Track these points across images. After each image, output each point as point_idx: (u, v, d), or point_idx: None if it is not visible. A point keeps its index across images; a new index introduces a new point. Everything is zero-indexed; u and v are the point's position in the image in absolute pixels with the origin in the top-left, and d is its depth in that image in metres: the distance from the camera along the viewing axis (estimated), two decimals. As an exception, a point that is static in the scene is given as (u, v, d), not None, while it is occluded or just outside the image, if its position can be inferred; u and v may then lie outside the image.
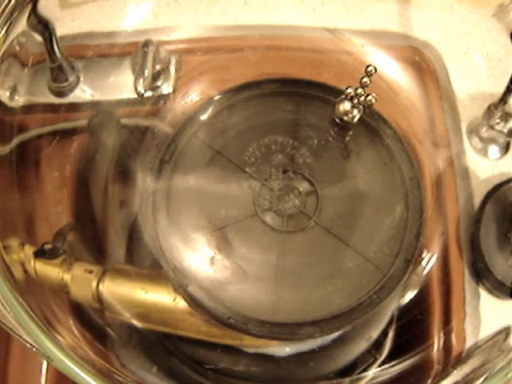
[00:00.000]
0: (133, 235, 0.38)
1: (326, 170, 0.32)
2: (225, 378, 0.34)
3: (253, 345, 0.34)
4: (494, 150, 0.38)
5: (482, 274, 0.35)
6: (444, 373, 0.32)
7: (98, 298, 0.33)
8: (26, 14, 0.33)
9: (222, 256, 0.30)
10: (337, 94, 0.34)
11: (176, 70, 0.39)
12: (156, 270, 0.33)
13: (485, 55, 0.40)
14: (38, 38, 0.35)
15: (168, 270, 0.30)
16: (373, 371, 0.35)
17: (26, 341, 0.26)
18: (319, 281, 0.30)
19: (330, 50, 0.41)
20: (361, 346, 0.35)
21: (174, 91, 0.39)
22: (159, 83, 0.38)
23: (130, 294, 0.33)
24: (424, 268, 0.35)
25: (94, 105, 0.38)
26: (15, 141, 0.34)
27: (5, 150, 0.34)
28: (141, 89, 0.38)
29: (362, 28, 0.41)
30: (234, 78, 0.36)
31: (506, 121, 0.37)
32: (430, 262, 0.35)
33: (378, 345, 0.35)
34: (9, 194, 0.32)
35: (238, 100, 0.35)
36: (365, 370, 0.35)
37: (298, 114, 0.34)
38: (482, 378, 0.28)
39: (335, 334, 0.34)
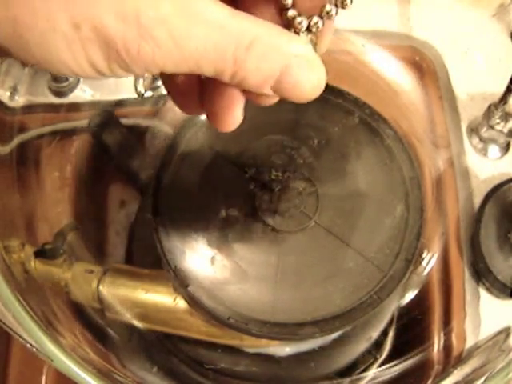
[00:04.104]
0: (133, 235, 0.38)
1: (326, 170, 0.32)
2: (225, 378, 0.34)
3: (253, 345, 0.34)
4: (494, 150, 0.38)
5: (482, 273, 0.35)
6: (444, 373, 0.32)
7: (99, 297, 0.33)
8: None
9: (222, 256, 0.30)
10: (337, 94, 0.34)
11: (176, 69, 0.39)
12: (156, 270, 0.33)
13: (485, 55, 0.40)
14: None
15: (168, 270, 0.30)
16: (373, 371, 0.35)
17: (26, 341, 0.26)
18: (319, 281, 0.30)
19: (329, 49, 0.41)
20: (361, 345, 0.35)
21: (174, 91, 0.39)
22: (159, 83, 0.38)
23: (130, 294, 0.33)
24: (424, 268, 0.35)
25: (93, 105, 0.38)
26: (15, 141, 0.34)
27: (5, 150, 0.34)
28: (141, 89, 0.38)
29: (362, 28, 0.41)
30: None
31: (506, 121, 0.37)
32: (430, 262, 0.35)
33: (378, 345, 0.35)
34: (9, 194, 0.33)
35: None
36: (365, 370, 0.35)
37: (297, 113, 0.34)
38: (483, 378, 0.28)
39: (335, 334, 0.34)
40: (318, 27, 0.21)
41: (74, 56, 0.19)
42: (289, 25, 0.21)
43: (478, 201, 0.36)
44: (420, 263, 0.35)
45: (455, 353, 0.34)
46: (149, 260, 0.36)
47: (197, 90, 0.24)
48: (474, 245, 0.35)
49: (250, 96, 0.23)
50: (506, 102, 0.36)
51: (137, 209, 0.38)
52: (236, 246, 0.31)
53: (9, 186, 0.33)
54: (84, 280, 0.33)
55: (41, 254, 0.33)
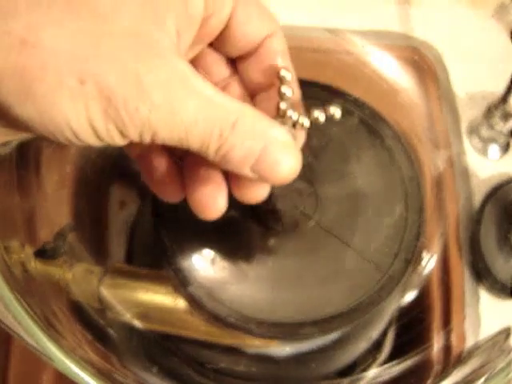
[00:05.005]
0: (133, 235, 0.38)
1: (326, 170, 0.32)
2: (225, 378, 0.34)
3: (253, 345, 0.34)
4: (494, 150, 0.38)
5: (482, 274, 0.35)
6: (444, 373, 0.32)
7: (99, 298, 0.33)
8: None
9: (222, 256, 0.30)
10: (337, 94, 0.34)
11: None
12: (156, 270, 0.33)
13: (485, 55, 0.40)
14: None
15: (168, 270, 0.30)
16: (373, 371, 0.35)
17: (26, 341, 0.26)
18: (319, 281, 0.30)
19: (330, 50, 0.41)
20: (361, 345, 0.35)
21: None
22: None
23: (130, 294, 0.33)
24: (424, 268, 0.35)
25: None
26: (15, 141, 0.34)
27: (5, 150, 0.34)
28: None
29: (362, 28, 0.41)
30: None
31: (506, 121, 0.37)
32: (429, 262, 0.35)
33: (378, 345, 0.35)
34: (9, 194, 0.33)
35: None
36: (365, 370, 0.35)
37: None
38: (483, 379, 0.28)
39: (335, 334, 0.34)
40: (302, 125, 0.23)
41: (76, 112, 0.19)
42: (277, 114, 0.23)
43: (477, 201, 0.37)
44: (420, 263, 0.35)
45: (455, 353, 0.34)
46: (149, 260, 0.36)
47: (177, 179, 0.25)
48: (473, 245, 0.35)
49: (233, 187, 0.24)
50: (506, 102, 0.36)
51: (137, 209, 0.38)
52: (236, 245, 0.31)
53: (9, 186, 0.33)
54: (84, 280, 0.33)
55: (41, 254, 0.33)
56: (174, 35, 0.21)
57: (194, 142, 0.20)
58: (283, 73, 0.23)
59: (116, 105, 0.19)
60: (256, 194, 0.24)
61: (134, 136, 0.20)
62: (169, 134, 0.20)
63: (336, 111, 0.23)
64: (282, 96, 0.23)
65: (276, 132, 0.22)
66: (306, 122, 0.23)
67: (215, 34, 0.24)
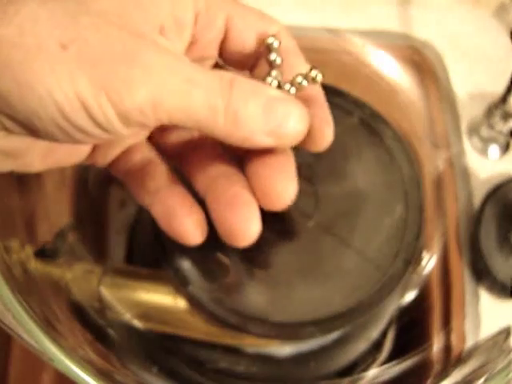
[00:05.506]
0: (133, 235, 0.38)
1: (325, 170, 0.32)
2: (225, 378, 0.34)
3: (253, 345, 0.34)
4: (494, 150, 0.38)
5: (481, 274, 0.35)
6: (444, 373, 0.32)
7: (99, 297, 0.33)
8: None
9: (223, 256, 0.30)
10: (337, 94, 0.34)
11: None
12: (156, 270, 0.33)
13: (485, 55, 0.40)
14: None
15: (168, 270, 0.30)
16: (373, 371, 0.35)
17: (26, 341, 0.26)
18: (319, 281, 0.30)
19: (330, 49, 0.41)
20: (361, 345, 0.35)
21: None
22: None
23: (130, 294, 0.33)
24: (424, 268, 0.35)
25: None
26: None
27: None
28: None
29: (362, 28, 0.41)
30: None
31: (506, 121, 0.37)
32: (429, 262, 0.35)
33: (378, 345, 0.35)
34: (9, 193, 0.33)
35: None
36: (365, 369, 0.35)
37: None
38: (483, 379, 0.28)
39: (335, 334, 0.34)
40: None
41: (59, 80, 0.17)
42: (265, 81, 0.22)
43: (477, 201, 0.36)
44: (420, 263, 0.35)
45: (455, 353, 0.34)
46: (149, 260, 0.36)
47: (200, 215, 0.25)
48: (473, 245, 0.35)
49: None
50: (506, 102, 0.36)
51: (137, 209, 0.38)
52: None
53: (9, 185, 0.33)
54: (84, 280, 0.33)
55: (41, 253, 0.33)
56: (156, 26, 0.20)
57: (200, 107, 0.19)
58: (270, 40, 0.22)
59: (105, 70, 0.18)
60: (282, 195, 0.23)
61: (135, 113, 0.18)
62: (175, 102, 0.19)
63: (317, 75, 0.22)
64: (271, 64, 0.22)
65: (272, 90, 0.21)
66: (293, 90, 0.22)
67: (217, 45, 0.24)
